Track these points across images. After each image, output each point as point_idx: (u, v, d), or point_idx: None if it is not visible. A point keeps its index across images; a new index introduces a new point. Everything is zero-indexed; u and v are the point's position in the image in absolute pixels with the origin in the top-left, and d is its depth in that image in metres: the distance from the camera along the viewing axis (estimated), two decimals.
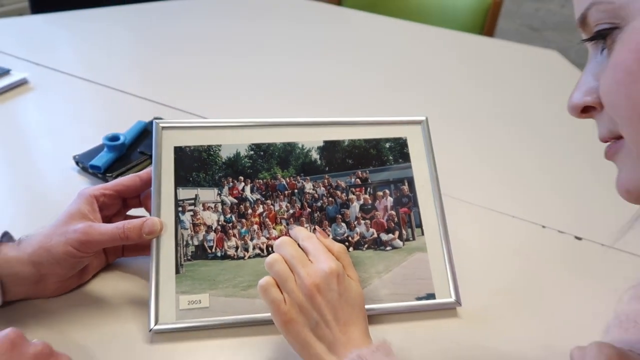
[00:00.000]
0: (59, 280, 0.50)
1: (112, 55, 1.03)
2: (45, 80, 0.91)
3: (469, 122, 0.91)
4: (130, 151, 0.71)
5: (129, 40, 1.12)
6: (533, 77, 1.12)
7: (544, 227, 0.67)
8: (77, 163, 0.69)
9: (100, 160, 0.67)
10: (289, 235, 0.48)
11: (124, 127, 0.74)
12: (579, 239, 0.65)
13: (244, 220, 0.52)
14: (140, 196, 0.54)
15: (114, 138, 0.70)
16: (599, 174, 0.66)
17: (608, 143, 0.33)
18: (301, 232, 0.48)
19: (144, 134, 0.75)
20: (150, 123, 0.72)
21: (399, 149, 0.57)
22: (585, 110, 0.34)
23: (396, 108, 0.91)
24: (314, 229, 0.52)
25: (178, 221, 0.51)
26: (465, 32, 1.34)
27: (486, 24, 1.53)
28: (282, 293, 0.43)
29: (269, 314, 0.43)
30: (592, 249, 0.64)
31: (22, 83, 0.90)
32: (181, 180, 0.52)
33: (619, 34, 0.29)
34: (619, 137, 0.32)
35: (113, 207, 0.53)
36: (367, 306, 0.47)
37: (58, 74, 0.93)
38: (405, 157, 0.57)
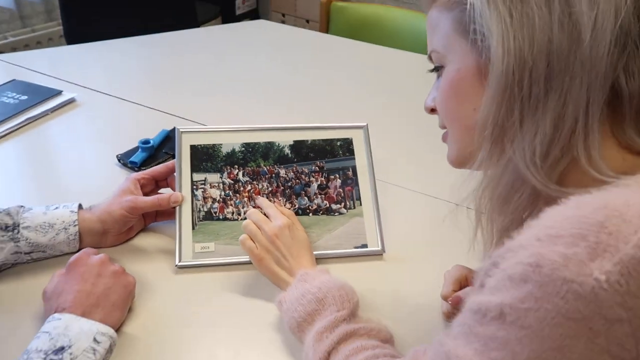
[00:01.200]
0: (116, 234, 0.73)
1: (140, 78, 1.27)
2: (90, 99, 1.15)
3: (413, 125, 1.13)
4: (157, 151, 0.95)
5: (152, 65, 1.36)
6: None
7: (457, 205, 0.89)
8: (119, 160, 0.93)
9: (137, 157, 0.91)
10: (257, 205, 0.72)
11: (152, 134, 0.97)
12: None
13: (237, 195, 0.76)
14: (167, 179, 0.78)
15: (146, 142, 0.94)
16: None
17: (443, 135, 0.56)
18: (263, 202, 0.72)
19: (167, 138, 0.98)
20: (172, 130, 0.96)
21: (347, 146, 0.80)
22: (432, 111, 0.56)
23: (357, 114, 1.14)
24: (279, 200, 0.76)
25: (193, 195, 0.75)
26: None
27: None
28: (254, 243, 0.67)
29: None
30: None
31: (71, 102, 1.13)
32: (195, 167, 0.76)
33: (442, 70, 0.52)
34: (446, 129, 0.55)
35: (149, 187, 0.77)
36: (319, 252, 0.70)
37: (99, 94, 1.17)
38: (351, 152, 0.80)
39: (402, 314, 0.67)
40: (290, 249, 0.66)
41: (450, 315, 0.65)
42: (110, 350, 0.56)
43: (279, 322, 0.65)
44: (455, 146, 0.53)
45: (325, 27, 1.86)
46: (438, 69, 0.52)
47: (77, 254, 0.63)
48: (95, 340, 0.55)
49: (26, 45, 2.36)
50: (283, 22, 2.97)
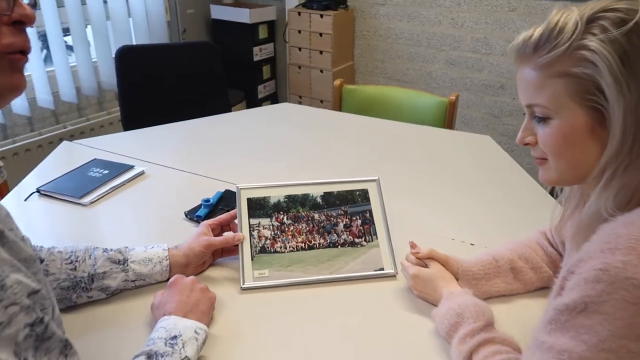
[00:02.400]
0: (195, 266, 0.96)
1: (192, 154, 1.54)
2: (155, 171, 1.41)
3: (418, 180, 1.37)
4: (215, 207, 1.19)
5: (201, 142, 1.64)
6: (470, 153, 1.58)
7: (453, 239, 1.11)
8: (186, 215, 1.17)
9: (201, 212, 1.15)
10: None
11: (210, 194, 1.22)
12: (472, 244, 1.09)
13: (284, 234, 0.99)
14: (230, 225, 1.02)
15: (207, 200, 1.18)
16: (489, 214, 1.10)
17: (538, 160, 0.69)
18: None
19: (222, 198, 1.23)
20: (225, 191, 1.21)
21: (364, 195, 1.04)
22: (526, 144, 0.69)
23: (369, 174, 1.38)
24: (315, 237, 0.98)
25: (251, 235, 0.98)
26: (430, 126, 1.84)
27: (447, 119, 2.02)
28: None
29: (299, 280, 0.88)
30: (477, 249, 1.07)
31: (141, 174, 1.40)
32: (251, 214, 1.00)
33: (549, 120, 0.64)
34: (545, 158, 0.68)
35: (217, 231, 1.01)
36: (348, 274, 0.93)
37: (162, 167, 1.44)
38: (367, 199, 1.04)
39: (412, 321, 0.87)
40: (438, 280, 0.87)
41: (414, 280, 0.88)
42: (204, 341, 0.77)
43: (317, 328, 0.85)
44: (555, 173, 0.68)
45: (339, 105, 2.16)
46: (540, 117, 0.66)
47: (174, 277, 0.86)
48: (195, 332, 0.76)
49: (82, 133, 2.70)
50: (300, 102, 3.31)
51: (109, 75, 2.76)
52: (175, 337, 0.73)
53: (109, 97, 2.92)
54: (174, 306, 0.80)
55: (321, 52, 3.14)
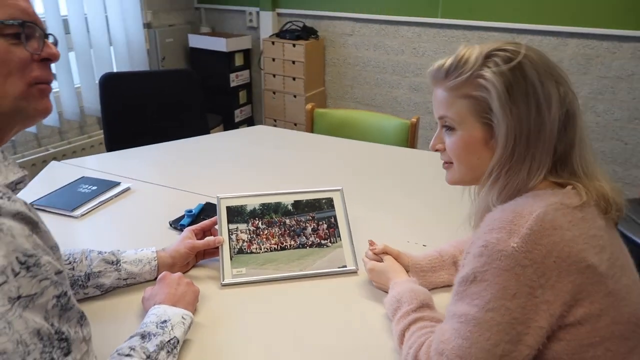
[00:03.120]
0: (180, 267, 1.07)
1: (173, 171, 1.66)
2: (140, 187, 1.52)
3: (380, 191, 1.52)
4: (197, 218, 1.31)
5: (181, 162, 1.75)
6: (426, 168, 1.74)
7: (408, 241, 1.25)
8: (170, 225, 1.29)
9: (184, 221, 1.27)
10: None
11: (193, 207, 1.34)
12: (424, 245, 1.23)
13: (258, 237, 1.11)
14: (211, 230, 1.14)
15: (189, 211, 1.30)
16: (438, 222, 1.24)
17: (443, 165, 0.87)
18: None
19: (203, 210, 1.35)
20: (206, 203, 1.33)
21: (329, 203, 1.18)
22: (436, 151, 0.84)
23: (336, 185, 1.52)
24: (286, 239, 1.11)
25: (229, 238, 1.10)
26: (393, 145, 2.00)
27: (409, 139, 2.19)
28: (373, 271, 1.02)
29: (272, 276, 1.01)
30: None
31: (127, 190, 1.51)
32: (230, 220, 1.12)
33: (454, 130, 0.79)
34: (451, 162, 0.83)
35: (199, 235, 1.12)
36: (315, 271, 1.05)
37: (146, 184, 1.55)
38: (332, 206, 1.17)
39: (369, 310, 1.01)
40: (390, 272, 1.00)
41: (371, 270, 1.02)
42: (190, 326, 0.89)
43: (289, 318, 0.98)
44: (457, 175, 0.84)
45: (311, 128, 2.30)
46: (448, 127, 0.81)
47: (163, 273, 0.97)
48: (182, 317, 0.87)
49: (64, 155, 2.78)
50: (275, 126, 3.46)
51: (91, 101, 2.86)
52: (165, 321, 0.85)
53: (90, 121, 3.02)
54: (163, 297, 0.91)
55: (294, 79, 3.31)
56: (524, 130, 0.73)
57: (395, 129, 2.20)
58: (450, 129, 0.81)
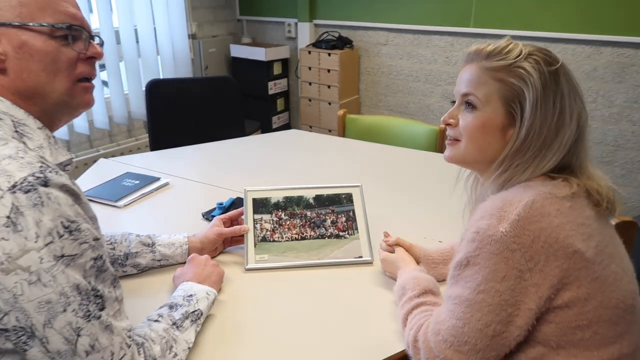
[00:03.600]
0: (208, 251, 1.16)
1: (210, 169, 1.77)
2: (178, 182, 1.64)
3: (403, 191, 1.57)
4: (228, 210, 1.40)
5: (217, 160, 1.86)
6: (450, 172, 1.77)
7: (425, 237, 1.30)
8: (203, 216, 1.39)
9: (215, 213, 1.36)
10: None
11: (224, 199, 1.43)
12: (440, 241, 1.27)
13: (281, 227, 1.19)
14: (238, 219, 1.23)
15: (220, 204, 1.40)
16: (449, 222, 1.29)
17: (448, 141, 0.91)
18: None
19: (233, 203, 1.44)
20: (237, 198, 1.42)
21: (349, 197, 1.24)
22: (447, 124, 0.87)
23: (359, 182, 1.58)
24: (307, 230, 1.18)
25: (254, 227, 1.19)
26: (423, 150, 2.04)
27: (437, 144, 2.23)
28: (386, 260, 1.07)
29: (293, 263, 1.08)
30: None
31: (166, 184, 1.62)
32: (255, 211, 1.21)
33: (475, 109, 0.84)
34: (458, 140, 0.86)
35: (227, 224, 1.21)
36: (333, 260, 1.12)
37: (183, 179, 1.67)
38: (351, 201, 1.24)
39: (381, 297, 1.06)
40: (400, 262, 1.05)
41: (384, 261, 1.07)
42: (213, 301, 0.97)
43: (306, 302, 1.05)
44: (461, 153, 0.86)
45: (342, 133, 2.38)
46: (469, 104, 0.83)
47: (192, 255, 1.06)
48: (207, 293, 0.96)
49: (112, 155, 2.96)
50: (311, 131, 3.55)
51: (138, 106, 3.05)
52: (190, 295, 0.94)
53: (137, 125, 3.21)
54: (191, 275, 1.00)
55: (329, 87, 3.41)
56: (544, 130, 0.77)
57: (425, 135, 2.24)
58: (471, 106, 0.83)
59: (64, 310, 0.65)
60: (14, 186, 0.64)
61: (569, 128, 0.78)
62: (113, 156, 2.98)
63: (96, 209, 1.55)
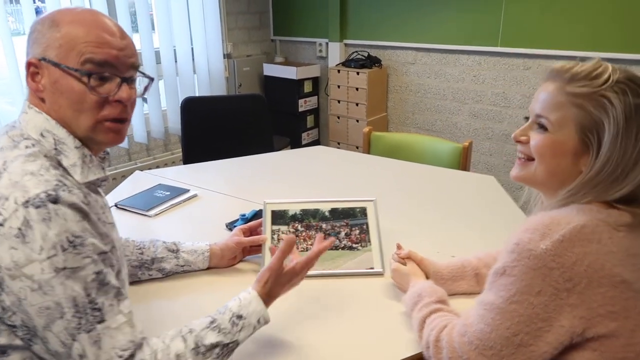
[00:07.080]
0: (228, 259, 1.22)
1: (236, 182, 1.85)
2: (206, 195, 1.72)
3: (421, 207, 1.59)
4: (250, 221, 1.47)
5: (244, 174, 1.94)
6: (472, 190, 1.79)
7: (438, 252, 1.32)
8: (226, 226, 1.46)
9: (237, 224, 1.43)
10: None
11: (247, 211, 1.50)
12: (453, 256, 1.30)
13: (297, 237, 1.25)
14: (257, 230, 1.29)
15: (243, 215, 1.47)
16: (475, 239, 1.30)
17: (519, 159, 0.87)
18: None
19: (255, 215, 1.51)
20: (260, 210, 1.49)
21: (363, 211, 1.29)
22: (518, 141, 0.84)
23: (387, 201, 1.62)
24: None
25: (272, 238, 1.24)
26: (446, 168, 2.06)
27: (461, 162, 2.23)
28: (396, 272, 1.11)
29: (308, 272, 1.13)
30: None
31: (194, 196, 1.71)
32: (273, 222, 1.27)
33: (546, 131, 0.79)
34: (531, 159, 0.83)
35: (247, 234, 1.28)
36: (346, 270, 1.16)
37: (211, 192, 1.75)
38: (365, 215, 1.28)
39: (390, 306, 1.10)
40: (410, 275, 1.08)
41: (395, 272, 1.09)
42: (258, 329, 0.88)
43: (317, 310, 1.09)
44: (531, 173, 0.84)
45: (368, 149, 2.42)
46: (541, 125, 0.81)
47: (289, 267, 0.95)
48: (258, 321, 0.87)
49: (149, 168, 3.11)
50: (338, 148, 3.61)
51: (175, 122, 3.19)
52: (241, 316, 0.85)
53: (173, 139, 3.35)
54: (269, 287, 0.92)
55: (357, 104, 3.47)
56: (621, 164, 0.75)
57: (449, 152, 2.25)
58: (542, 127, 0.80)
59: (61, 317, 0.71)
60: (27, 201, 0.71)
61: None
62: (149, 169, 3.13)
63: (129, 217, 1.69)
